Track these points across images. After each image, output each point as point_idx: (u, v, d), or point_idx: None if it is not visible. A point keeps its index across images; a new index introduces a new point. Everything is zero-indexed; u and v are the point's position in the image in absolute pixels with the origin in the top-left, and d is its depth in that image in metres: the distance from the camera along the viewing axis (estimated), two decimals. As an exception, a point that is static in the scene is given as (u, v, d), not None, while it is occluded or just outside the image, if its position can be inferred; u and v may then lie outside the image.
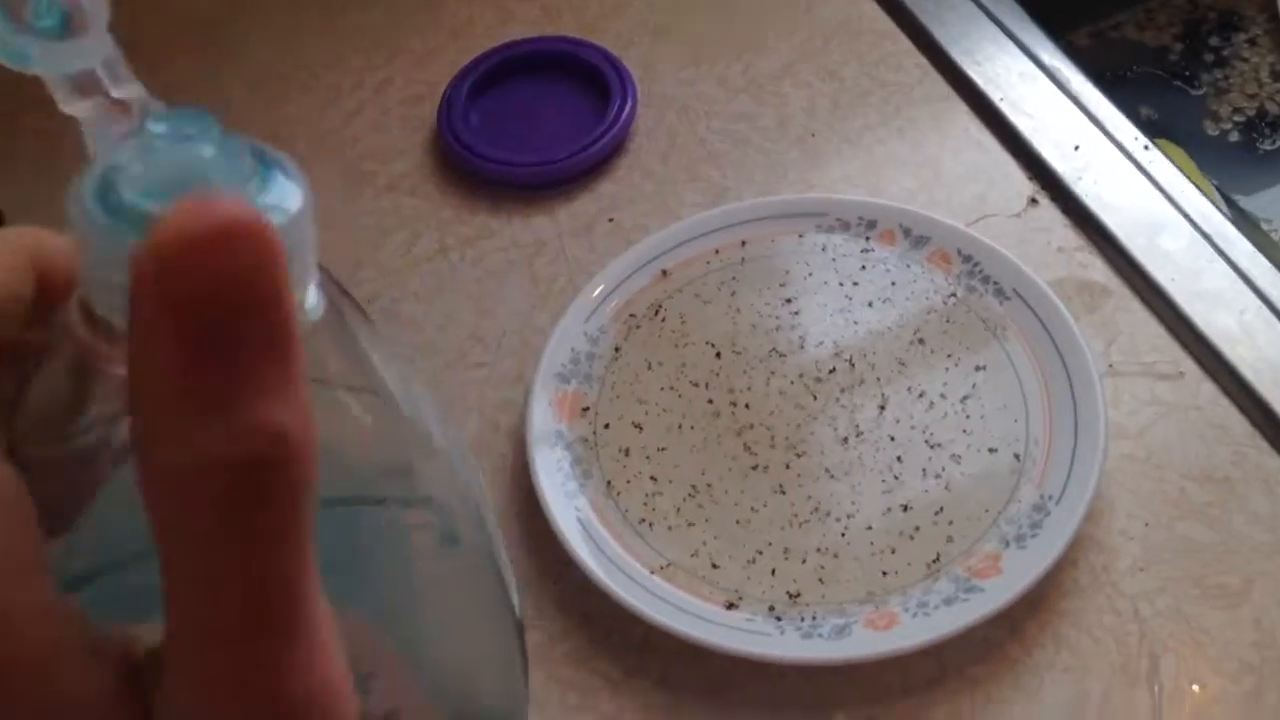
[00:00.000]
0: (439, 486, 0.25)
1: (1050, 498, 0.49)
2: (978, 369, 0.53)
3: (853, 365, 0.54)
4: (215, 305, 0.15)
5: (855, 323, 0.56)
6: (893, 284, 0.57)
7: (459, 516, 0.25)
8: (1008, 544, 0.48)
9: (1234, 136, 0.78)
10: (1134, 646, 0.46)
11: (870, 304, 0.56)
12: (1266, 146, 0.78)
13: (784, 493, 0.51)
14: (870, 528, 0.49)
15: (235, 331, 0.15)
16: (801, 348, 0.55)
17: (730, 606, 0.48)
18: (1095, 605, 0.48)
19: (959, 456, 0.51)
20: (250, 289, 0.15)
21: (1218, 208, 0.58)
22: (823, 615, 0.47)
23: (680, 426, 0.54)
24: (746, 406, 0.54)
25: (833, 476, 0.51)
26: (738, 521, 0.50)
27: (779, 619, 0.47)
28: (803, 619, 0.47)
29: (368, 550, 0.23)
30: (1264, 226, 0.74)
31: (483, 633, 0.29)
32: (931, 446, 0.51)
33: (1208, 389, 0.53)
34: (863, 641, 0.46)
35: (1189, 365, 0.54)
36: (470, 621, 0.28)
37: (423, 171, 0.66)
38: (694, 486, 0.52)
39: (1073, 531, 0.47)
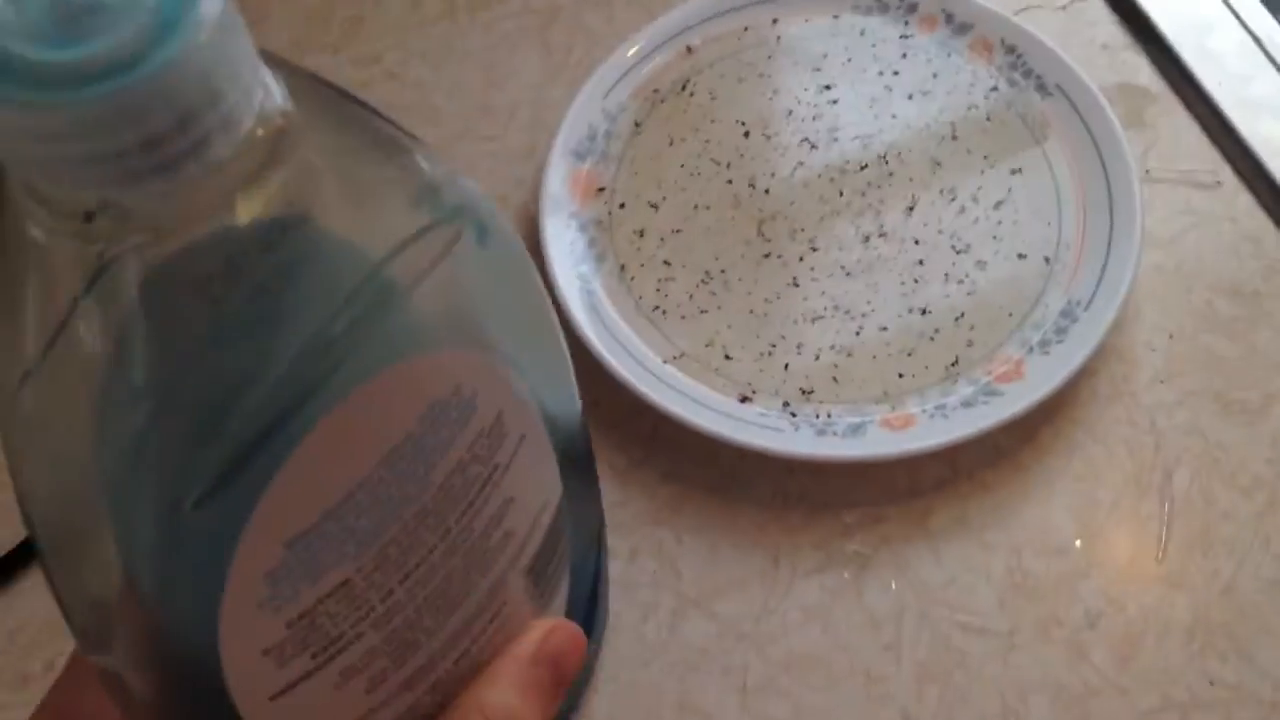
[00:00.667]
0: (453, 188, 0.23)
1: (1079, 303, 0.47)
2: (1014, 173, 0.51)
3: (885, 162, 0.52)
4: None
5: (893, 116, 0.53)
6: (934, 75, 0.54)
7: (483, 212, 0.24)
8: (1031, 349, 0.47)
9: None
10: (1148, 458, 0.46)
11: (910, 96, 0.53)
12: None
13: (797, 285, 0.49)
14: (885, 329, 0.48)
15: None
16: (835, 140, 0.53)
17: (744, 400, 0.47)
18: (1112, 415, 0.47)
19: (985, 263, 0.49)
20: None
21: (1271, 11, 0.55)
22: (838, 413, 0.46)
23: (697, 207, 0.51)
24: (766, 192, 0.52)
25: (849, 274, 0.49)
26: (751, 312, 0.49)
27: (793, 415, 0.46)
28: (817, 416, 0.46)
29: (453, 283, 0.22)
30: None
31: (536, 330, 0.28)
32: (958, 252, 0.49)
33: (1244, 200, 0.51)
34: (878, 441, 0.45)
35: (1227, 175, 0.52)
36: (523, 321, 0.27)
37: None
38: (708, 272, 0.50)
39: (1099, 339, 0.46)
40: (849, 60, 0.54)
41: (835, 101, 0.54)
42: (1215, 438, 0.46)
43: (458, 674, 0.28)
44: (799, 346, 0.48)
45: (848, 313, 0.49)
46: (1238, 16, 0.54)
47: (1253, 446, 0.46)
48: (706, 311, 0.49)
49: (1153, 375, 0.48)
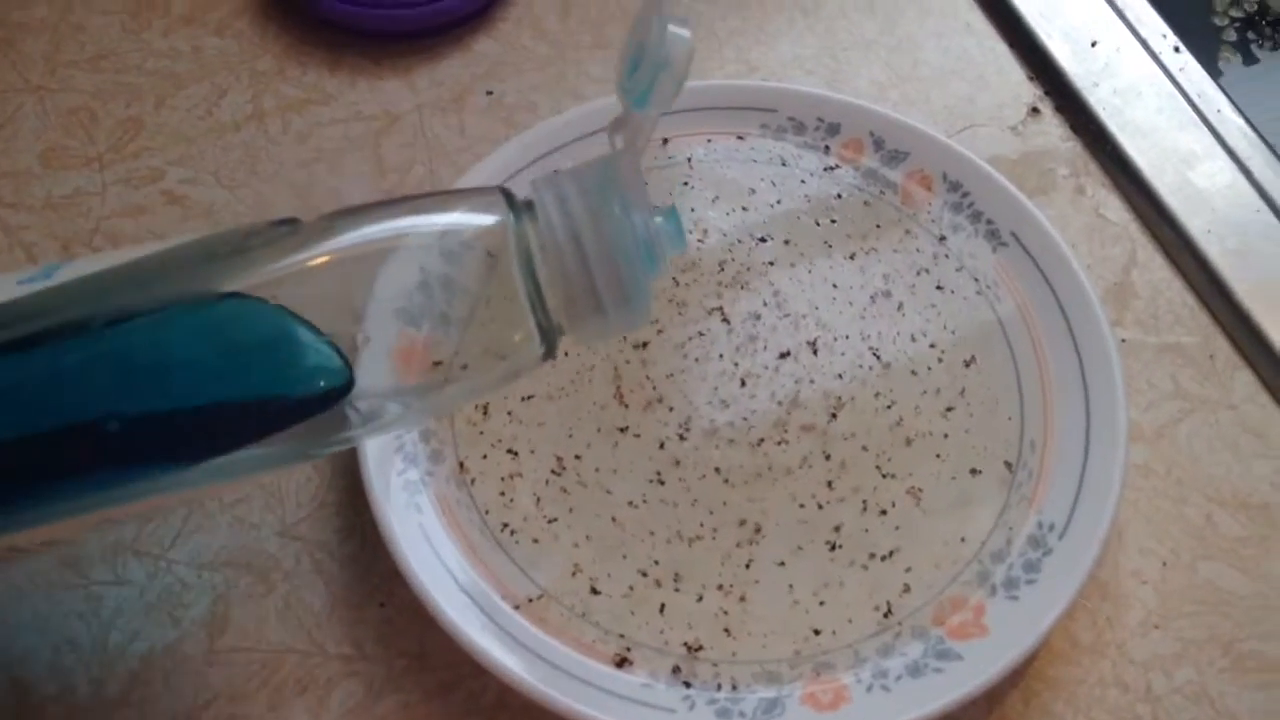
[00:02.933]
0: None
1: (1051, 528, 0.37)
2: (967, 364, 0.40)
3: (813, 348, 0.41)
4: None
5: (809, 272, 0.42)
6: (868, 230, 0.43)
7: None
8: (994, 591, 0.36)
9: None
10: (1145, 735, 0.35)
11: (829, 245, 0.42)
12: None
13: (663, 483, 0.38)
14: (783, 564, 0.37)
15: None
16: (736, 297, 0.42)
17: (621, 663, 0.35)
18: (1097, 675, 0.36)
19: (921, 492, 0.38)
20: None
21: (1264, 139, 0.46)
22: (745, 683, 0.35)
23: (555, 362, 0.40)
24: (643, 347, 0.40)
25: (726, 481, 0.38)
26: (614, 520, 0.37)
27: (687, 685, 0.35)
28: (719, 687, 0.35)
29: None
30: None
31: None
32: (885, 476, 0.38)
33: (1243, 380, 0.41)
34: (800, 726, 0.34)
35: (1220, 345, 0.42)
36: None
37: (236, 1, 0.49)
38: (559, 459, 0.38)
39: (1082, 579, 0.35)
40: (752, 192, 0.43)
41: (766, 251, 0.43)
42: (1227, 707, 0.36)
43: None
44: (676, 580, 0.37)
45: (724, 534, 0.37)
46: (1227, 148, 0.45)
47: (1275, 718, 0.36)
48: (556, 520, 0.37)
49: (1144, 617, 0.37)
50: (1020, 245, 0.42)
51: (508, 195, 0.28)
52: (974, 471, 0.38)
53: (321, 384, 0.26)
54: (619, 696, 0.34)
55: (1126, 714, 0.36)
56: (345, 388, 0.27)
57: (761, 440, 0.39)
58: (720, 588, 0.36)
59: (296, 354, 0.26)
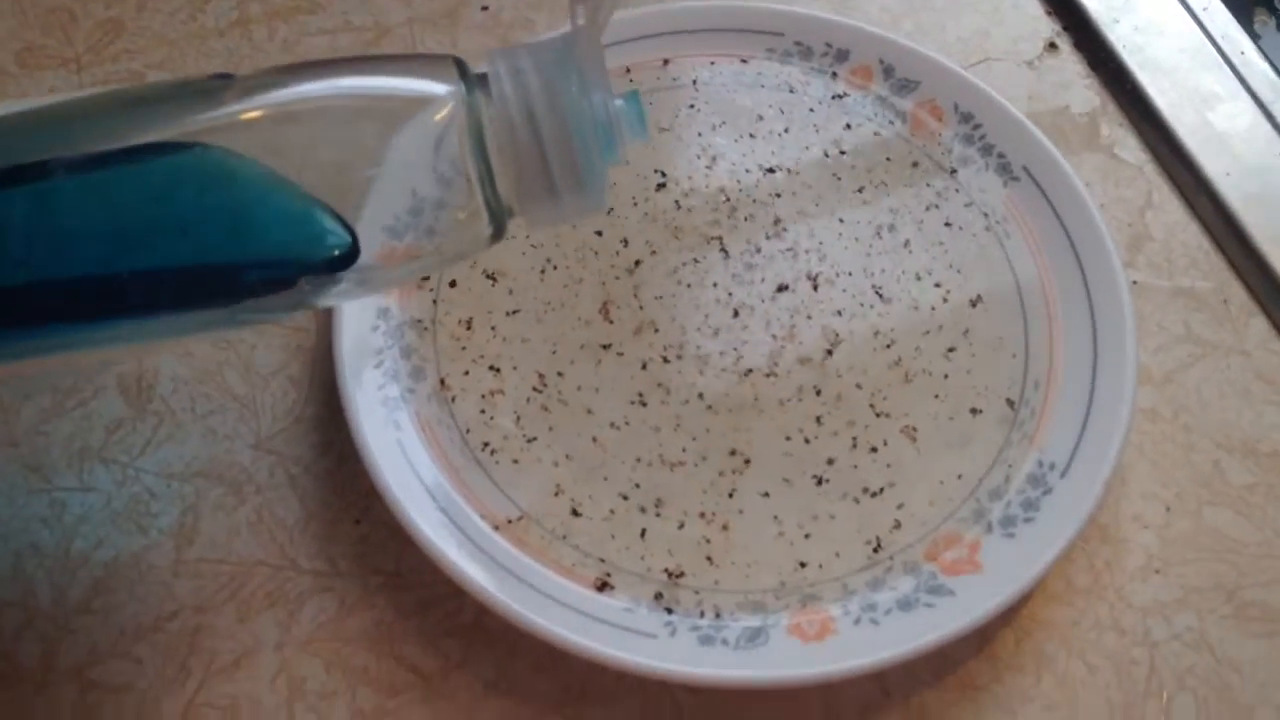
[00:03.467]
0: None
1: (1052, 467, 0.35)
2: (975, 303, 0.39)
3: (814, 282, 0.40)
4: None
5: (816, 205, 0.41)
6: (887, 158, 0.41)
7: None
8: (990, 529, 0.35)
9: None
10: (1141, 680, 0.34)
11: (838, 178, 0.41)
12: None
13: (645, 405, 0.37)
14: (767, 494, 0.35)
15: None
16: (736, 226, 0.40)
17: (602, 587, 0.34)
18: (1093, 618, 0.35)
19: (914, 430, 0.37)
20: None
21: (1288, 81, 0.44)
22: (729, 610, 0.33)
23: (544, 270, 0.39)
24: (636, 265, 0.39)
25: (710, 408, 0.37)
26: (595, 440, 0.36)
27: (669, 611, 0.33)
28: (701, 614, 0.33)
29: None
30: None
31: None
32: (879, 415, 0.37)
33: (1258, 327, 0.40)
34: (785, 655, 0.32)
35: (1235, 290, 0.41)
36: None
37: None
38: (541, 376, 0.37)
39: (1083, 519, 0.34)
40: (759, 118, 0.42)
41: (742, 177, 0.41)
42: (1228, 655, 0.35)
43: None
44: (657, 505, 0.35)
45: (711, 461, 0.36)
46: (1249, 89, 0.43)
47: (1277, 669, 0.34)
48: (536, 439, 0.36)
49: (1145, 562, 0.36)
50: (1032, 180, 0.40)
51: (460, 65, 0.27)
52: (974, 411, 0.37)
53: (335, 252, 0.25)
54: (599, 620, 0.33)
55: (1122, 658, 0.34)
56: (351, 255, 0.25)
57: (750, 371, 0.37)
58: (702, 515, 0.35)
59: (310, 218, 0.25)
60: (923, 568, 0.34)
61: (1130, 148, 0.43)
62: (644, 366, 0.37)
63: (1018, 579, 0.33)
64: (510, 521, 0.34)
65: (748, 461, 0.36)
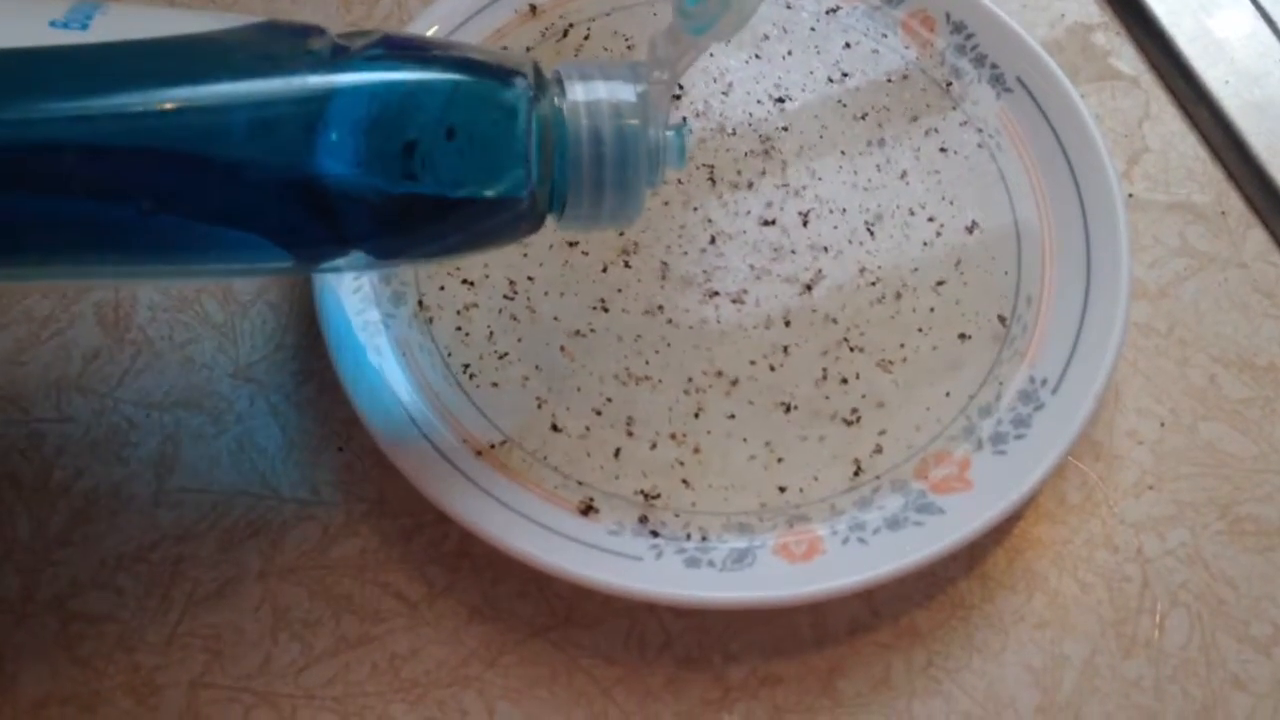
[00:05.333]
0: None
1: (1044, 382, 0.35)
2: (970, 230, 0.38)
3: (802, 215, 0.39)
4: None
5: (820, 138, 0.40)
6: (887, 78, 0.40)
7: None
8: (980, 445, 0.34)
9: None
10: (1134, 597, 0.34)
11: (843, 104, 0.40)
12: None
13: (606, 311, 0.36)
14: (733, 415, 0.35)
15: None
16: (723, 130, 0.39)
17: (587, 510, 0.33)
18: (1085, 535, 0.35)
19: (891, 364, 0.36)
20: None
21: (1290, -14, 0.43)
22: (716, 533, 0.33)
23: None
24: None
25: (670, 321, 0.36)
26: (563, 349, 0.36)
27: (655, 534, 0.33)
28: (688, 536, 0.33)
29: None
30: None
31: None
32: (853, 349, 0.36)
33: (1256, 238, 0.39)
34: (772, 576, 0.32)
35: (1234, 202, 0.40)
36: None
37: None
38: (511, 283, 0.36)
39: (1074, 435, 0.33)
40: (789, 54, 0.41)
41: (727, 91, 0.40)
42: (1222, 570, 0.34)
43: None
44: (629, 424, 0.35)
45: (685, 387, 0.35)
46: (1250, -6, 0.42)
47: (1272, 583, 0.34)
48: (508, 354, 0.36)
49: (1138, 478, 0.35)
50: (1026, 90, 0.39)
51: (537, 68, 0.28)
52: (962, 336, 0.36)
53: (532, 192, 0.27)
54: (584, 544, 0.32)
55: (1114, 575, 0.34)
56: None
57: (716, 293, 0.37)
58: (673, 437, 0.35)
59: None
60: (911, 486, 0.34)
61: (1127, 57, 0.42)
62: (604, 269, 0.37)
63: (1008, 495, 0.33)
64: (493, 446, 0.34)
65: (711, 384, 0.35)
